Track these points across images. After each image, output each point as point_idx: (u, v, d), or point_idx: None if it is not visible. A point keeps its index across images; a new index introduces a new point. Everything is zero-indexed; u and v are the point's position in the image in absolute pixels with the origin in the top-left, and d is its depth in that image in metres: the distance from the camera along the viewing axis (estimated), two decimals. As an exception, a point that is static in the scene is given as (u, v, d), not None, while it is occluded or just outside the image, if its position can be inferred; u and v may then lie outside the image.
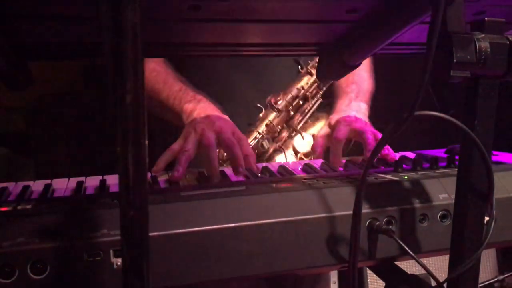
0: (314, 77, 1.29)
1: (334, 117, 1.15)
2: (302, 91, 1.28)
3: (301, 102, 1.29)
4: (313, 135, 1.22)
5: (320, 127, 1.29)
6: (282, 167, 0.96)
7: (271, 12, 0.61)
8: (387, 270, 0.73)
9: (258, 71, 1.29)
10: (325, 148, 1.13)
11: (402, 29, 0.62)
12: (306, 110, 1.30)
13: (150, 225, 0.59)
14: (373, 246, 0.68)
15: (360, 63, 0.75)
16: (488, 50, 0.53)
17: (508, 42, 0.54)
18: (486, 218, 0.59)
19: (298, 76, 1.30)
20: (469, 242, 0.58)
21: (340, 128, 1.07)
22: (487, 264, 2.01)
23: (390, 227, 0.68)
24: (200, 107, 1.07)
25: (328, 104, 1.34)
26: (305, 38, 0.73)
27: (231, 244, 0.63)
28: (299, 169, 0.97)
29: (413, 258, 0.62)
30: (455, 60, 0.52)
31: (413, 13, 0.59)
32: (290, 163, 1.05)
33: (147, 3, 0.48)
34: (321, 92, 1.32)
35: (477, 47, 0.53)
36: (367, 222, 0.68)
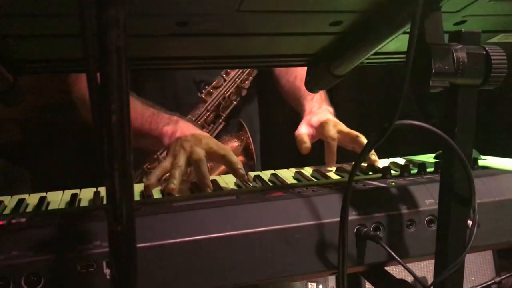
0: (213, 99, 1.31)
1: (313, 118, 1.16)
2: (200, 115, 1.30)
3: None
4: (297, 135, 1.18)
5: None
6: (274, 175, 0.98)
7: (259, 26, 0.63)
8: (376, 275, 0.74)
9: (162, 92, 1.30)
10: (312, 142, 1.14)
11: (384, 40, 0.64)
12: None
13: (143, 235, 0.61)
14: (361, 252, 0.69)
15: (347, 73, 0.77)
16: (466, 60, 0.55)
17: (484, 52, 0.55)
18: (469, 223, 0.60)
19: (198, 100, 1.33)
20: (453, 246, 0.60)
21: (330, 128, 1.08)
22: (485, 267, 2.01)
23: (378, 233, 0.69)
24: (180, 127, 1.09)
25: (237, 126, 1.35)
26: (292, 50, 0.75)
27: (222, 254, 0.64)
28: (291, 177, 0.99)
29: (399, 263, 0.64)
30: (433, 71, 0.54)
31: (394, 25, 0.61)
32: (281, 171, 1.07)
33: (134, 21, 0.49)
34: (223, 115, 1.34)
35: (455, 58, 0.55)
36: (355, 229, 0.69)
